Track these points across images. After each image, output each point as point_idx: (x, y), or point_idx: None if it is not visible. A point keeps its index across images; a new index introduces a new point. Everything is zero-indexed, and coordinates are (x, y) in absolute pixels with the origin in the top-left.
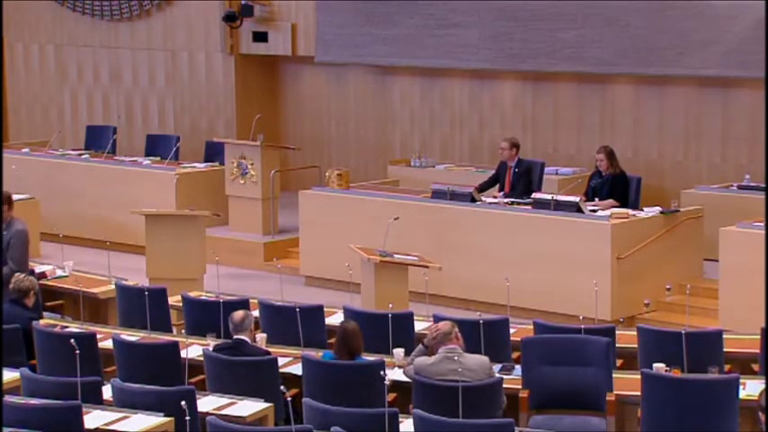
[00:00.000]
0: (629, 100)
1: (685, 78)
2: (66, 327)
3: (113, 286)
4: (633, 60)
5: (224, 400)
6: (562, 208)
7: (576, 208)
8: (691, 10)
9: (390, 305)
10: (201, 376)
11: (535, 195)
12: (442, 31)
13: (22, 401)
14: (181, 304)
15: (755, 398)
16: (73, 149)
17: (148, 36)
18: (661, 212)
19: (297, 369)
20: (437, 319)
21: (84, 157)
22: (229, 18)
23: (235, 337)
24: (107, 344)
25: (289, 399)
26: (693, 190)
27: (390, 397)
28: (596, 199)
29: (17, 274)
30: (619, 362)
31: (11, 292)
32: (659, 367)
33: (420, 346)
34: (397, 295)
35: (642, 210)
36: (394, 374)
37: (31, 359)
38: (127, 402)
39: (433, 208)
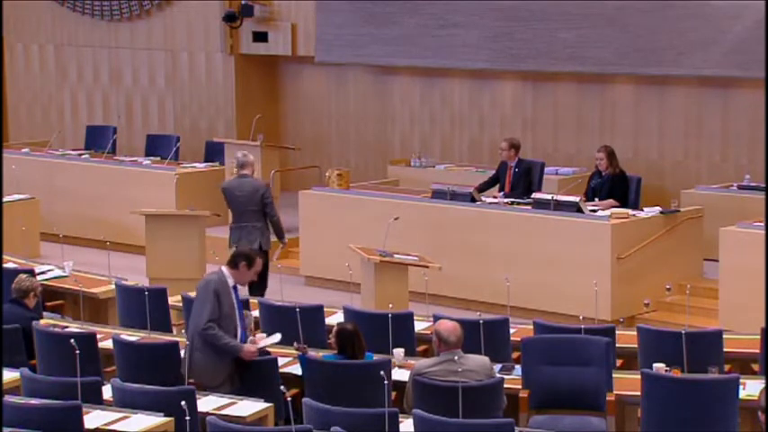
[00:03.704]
0: (629, 100)
1: (685, 78)
2: (67, 327)
3: (113, 286)
4: (633, 60)
5: (224, 400)
6: (562, 208)
7: (576, 208)
8: (691, 10)
9: (390, 305)
10: None
11: (535, 195)
12: (442, 31)
13: (22, 401)
14: (181, 304)
15: (755, 398)
16: (73, 149)
17: (148, 36)
18: (661, 212)
19: (297, 369)
20: (437, 318)
21: (84, 157)
22: (229, 18)
23: None
24: (107, 344)
25: (289, 399)
26: (693, 190)
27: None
28: (596, 199)
29: (21, 274)
30: (619, 362)
31: (12, 292)
32: (659, 367)
33: None
34: (397, 295)
35: (642, 210)
36: (394, 374)
37: (31, 359)
38: (127, 402)
39: (433, 208)
